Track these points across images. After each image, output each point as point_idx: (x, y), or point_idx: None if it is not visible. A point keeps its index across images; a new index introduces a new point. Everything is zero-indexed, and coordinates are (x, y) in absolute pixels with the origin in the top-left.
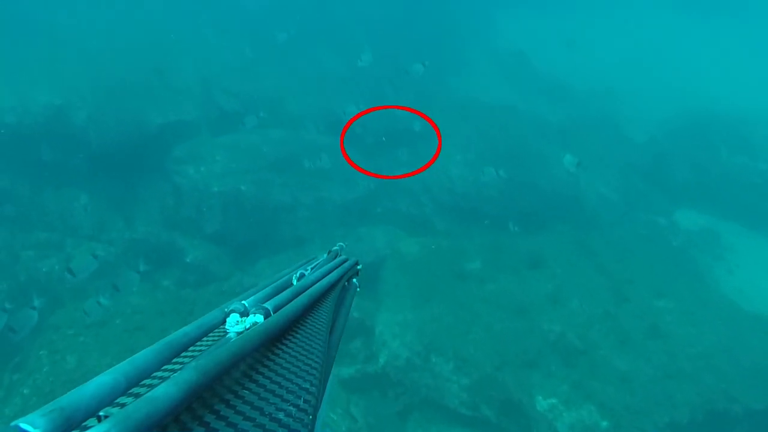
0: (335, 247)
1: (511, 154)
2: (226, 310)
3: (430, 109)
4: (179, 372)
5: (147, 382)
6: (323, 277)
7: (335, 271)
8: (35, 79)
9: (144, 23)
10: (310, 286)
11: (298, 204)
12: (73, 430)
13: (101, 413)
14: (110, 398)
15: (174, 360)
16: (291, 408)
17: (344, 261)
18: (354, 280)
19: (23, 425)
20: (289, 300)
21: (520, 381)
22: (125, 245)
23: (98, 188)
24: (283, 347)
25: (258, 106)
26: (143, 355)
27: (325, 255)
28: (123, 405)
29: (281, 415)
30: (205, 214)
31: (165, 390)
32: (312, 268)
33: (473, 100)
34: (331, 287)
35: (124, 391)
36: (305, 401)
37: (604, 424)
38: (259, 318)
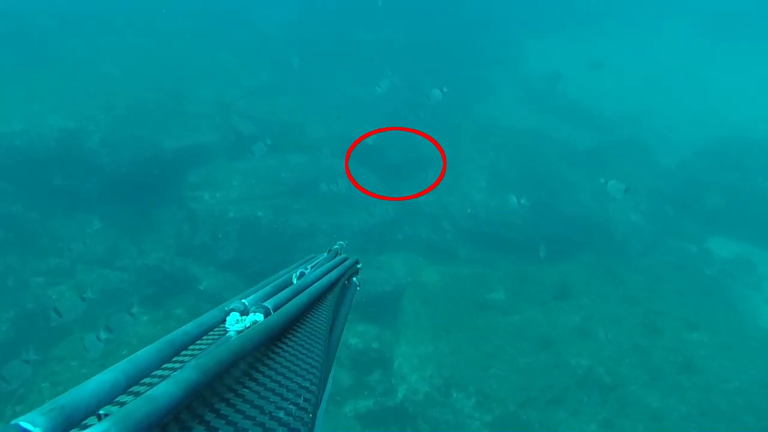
0: (335, 246)
1: (537, 179)
2: (226, 308)
3: (454, 134)
4: (179, 371)
5: (147, 380)
6: (323, 275)
7: (335, 269)
8: (49, 102)
9: (161, 47)
10: (310, 285)
11: (316, 230)
12: (73, 428)
13: (101, 412)
14: (110, 397)
15: (174, 359)
16: (291, 407)
17: (344, 260)
18: (354, 278)
19: (23, 424)
20: (289, 299)
21: (545, 419)
22: (138, 272)
23: (111, 214)
24: (283, 346)
25: (275, 130)
26: (143, 354)
27: (325, 254)
28: (123, 403)
29: (281, 414)
30: (220, 240)
31: (165, 388)
32: (312, 267)
33: (498, 125)
34: (332, 286)
35: (124, 390)
36: (305, 400)
37: None
38: (259, 317)
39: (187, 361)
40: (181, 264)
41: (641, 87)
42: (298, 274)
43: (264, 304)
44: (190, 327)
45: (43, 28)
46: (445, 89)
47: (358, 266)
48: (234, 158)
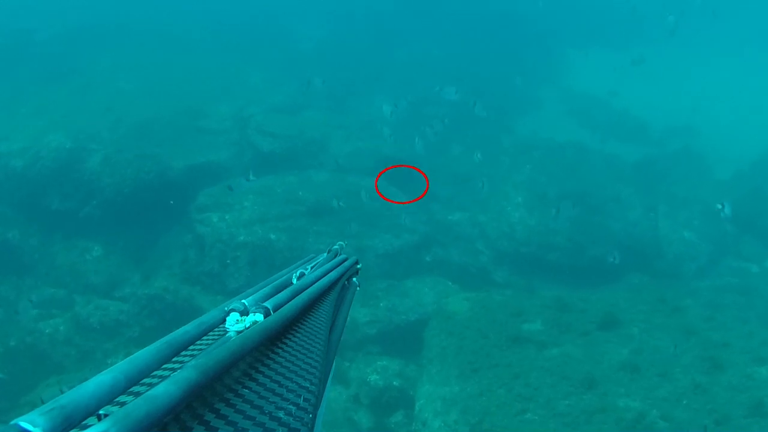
0: (335, 246)
1: (581, 195)
2: (225, 309)
3: (492, 149)
4: (179, 371)
5: (147, 380)
6: (323, 276)
7: (335, 270)
8: (53, 119)
9: (184, 63)
10: (310, 285)
11: None
12: (73, 428)
13: (101, 412)
14: (110, 397)
15: (174, 359)
16: (291, 407)
17: (344, 260)
18: (354, 279)
19: (23, 424)
20: (289, 299)
21: None
22: (139, 303)
23: (113, 239)
24: (283, 346)
25: (297, 146)
26: (143, 354)
27: (325, 254)
28: (123, 403)
29: (281, 414)
30: (229, 267)
31: (165, 388)
32: (312, 267)
33: (539, 139)
34: (331, 286)
35: (124, 390)
36: (305, 400)
37: None
38: (259, 317)
39: (187, 362)
40: (186, 293)
41: (692, 97)
42: (298, 274)
43: (264, 304)
44: (189, 327)
45: (61, 44)
46: (457, 90)
47: (358, 266)
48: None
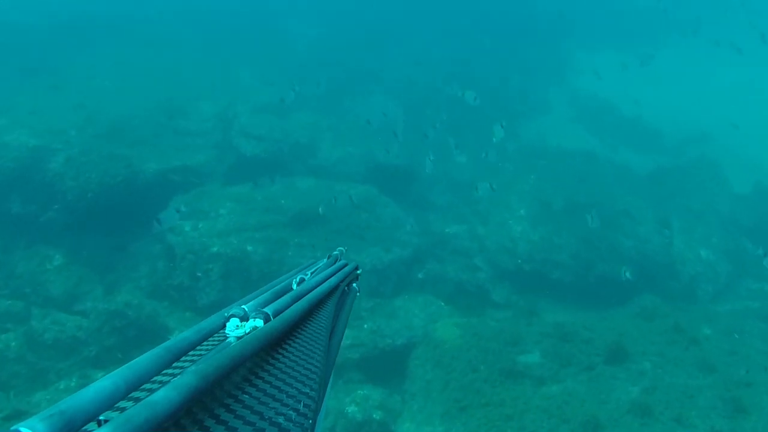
0: (335, 252)
1: (589, 208)
2: (225, 314)
3: (495, 155)
4: (179, 376)
5: (147, 386)
6: (323, 281)
7: (335, 275)
8: (16, 118)
9: (168, 60)
10: (310, 291)
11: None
12: None
13: (101, 417)
14: (110, 402)
15: (174, 364)
16: (291, 412)
17: (344, 265)
18: (354, 284)
19: (23, 429)
20: (289, 305)
21: None
22: (100, 319)
23: (76, 247)
24: (283, 352)
25: (283, 150)
26: (143, 360)
27: (325, 260)
28: (123, 409)
29: (281, 420)
30: (200, 280)
31: (165, 394)
32: (312, 273)
33: (545, 146)
34: (331, 292)
35: (124, 396)
36: (305, 406)
37: None
38: (259, 322)
39: (187, 367)
40: (151, 310)
41: (706, 104)
42: (297, 279)
43: (264, 309)
44: (189, 333)
45: (42, 40)
46: (477, 97)
47: (358, 272)
48: (230, 182)
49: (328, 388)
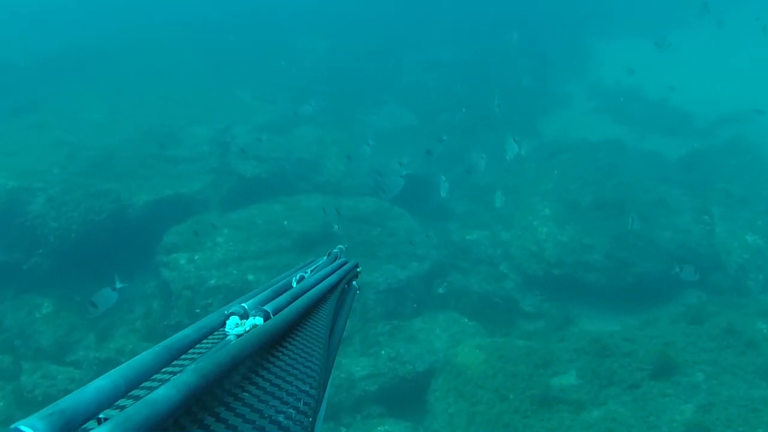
0: (335, 250)
1: (620, 202)
2: (225, 312)
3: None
4: (179, 375)
5: (146, 384)
6: (323, 279)
7: (335, 273)
8: None
9: (164, 86)
10: (310, 289)
11: None
12: None
13: (101, 416)
14: (110, 401)
15: (173, 363)
16: (291, 410)
17: (344, 263)
18: (354, 282)
19: (23, 428)
20: (289, 302)
21: None
22: (92, 369)
23: (66, 293)
24: (283, 350)
25: (286, 169)
26: (142, 358)
27: (325, 257)
28: (123, 407)
29: (281, 418)
30: (199, 317)
31: (164, 392)
32: (312, 271)
33: (568, 139)
34: (331, 290)
35: (124, 394)
36: (305, 404)
37: None
38: (259, 320)
39: (187, 365)
40: None
41: (738, 80)
42: (297, 277)
43: (264, 307)
44: (189, 331)
45: (29, 77)
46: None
47: (358, 270)
48: (230, 208)
49: (328, 387)
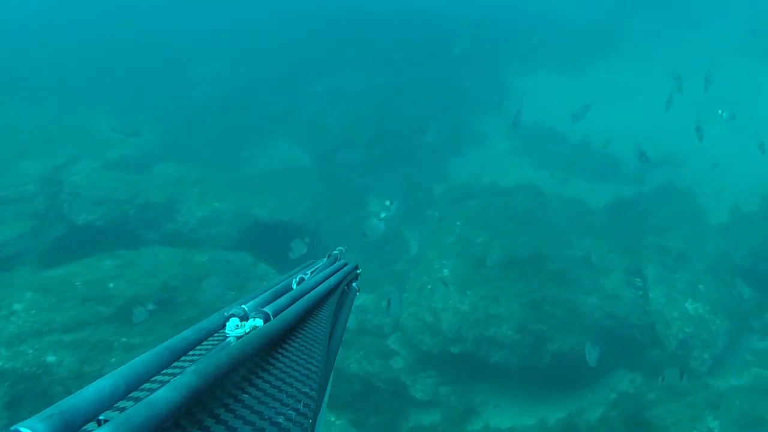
0: (335, 251)
1: (537, 260)
2: (225, 314)
3: (420, 200)
4: (179, 376)
5: (147, 386)
6: (323, 281)
7: (335, 275)
8: None
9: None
10: (310, 291)
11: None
12: None
13: (101, 417)
14: (110, 402)
15: (174, 364)
16: (291, 412)
17: (344, 265)
18: (354, 284)
19: (23, 429)
20: (289, 304)
21: None
22: None
23: None
24: (283, 351)
25: (129, 215)
26: (143, 360)
27: (325, 259)
28: (123, 409)
29: (281, 419)
30: None
31: (164, 394)
32: (312, 273)
33: (479, 184)
34: (331, 291)
35: (124, 395)
36: (305, 405)
37: None
38: (259, 322)
39: (187, 367)
40: None
41: (667, 121)
42: (297, 279)
43: (264, 309)
44: (189, 332)
45: None
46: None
47: (358, 271)
48: (52, 263)
49: (328, 389)
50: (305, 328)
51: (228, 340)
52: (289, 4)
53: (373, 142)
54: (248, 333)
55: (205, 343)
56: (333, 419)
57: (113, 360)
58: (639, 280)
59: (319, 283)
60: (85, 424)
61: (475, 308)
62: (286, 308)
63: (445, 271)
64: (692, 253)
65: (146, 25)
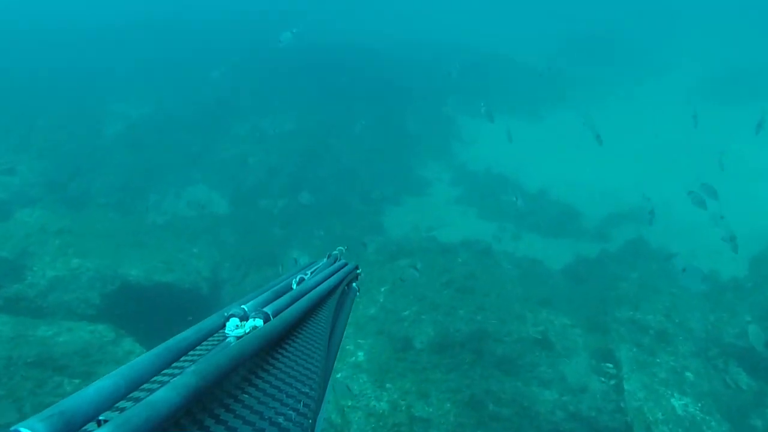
0: (335, 252)
1: (478, 340)
2: (225, 314)
3: (352, 258)
4: (179, 376)
5: (146, 386)
6: (323, 281)
7: (335, 275)
8: None
9: None
10: (310, 291)
11: None
12: None
13: (101, 417)
14: (110, 402)
15: (173, 364)
16: (291, 412)
17: (344, 265)
18: (354, 284)
19: (23, 429)
20: (289, 304)
21: None
22: None
23: None
24: (283, 351)
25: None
26: (143, 360)
27: (325, 259)
28: (122, 409)
29: (281, 420)
30: None
31: (164, 394)
32: (312, 273)
33: (416, 239)
34: (331, 291)
35: (124, 396)
36: (305, 405)
37: None
38: (259, 322)
39: (187, 367)
40: None
41: (631, 171)
42: (297, 279)
43: (264, 309)
44: (189, 333)
45: None
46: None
47: (358, 272)
48: None
49: (328, 388)
50: (305, 329)
51: (228, 340)
52: (218, 44)
53: (299, 188)
54: (248, 333)
55: (204, 343)
56: None
57: None
58: (611, 365)
59: (319, 283)
60: (85, 424)
61: (395, 408)
62: (286, 308)
63: (360, 355)
64: (675, 331)
65: (68, 54)
